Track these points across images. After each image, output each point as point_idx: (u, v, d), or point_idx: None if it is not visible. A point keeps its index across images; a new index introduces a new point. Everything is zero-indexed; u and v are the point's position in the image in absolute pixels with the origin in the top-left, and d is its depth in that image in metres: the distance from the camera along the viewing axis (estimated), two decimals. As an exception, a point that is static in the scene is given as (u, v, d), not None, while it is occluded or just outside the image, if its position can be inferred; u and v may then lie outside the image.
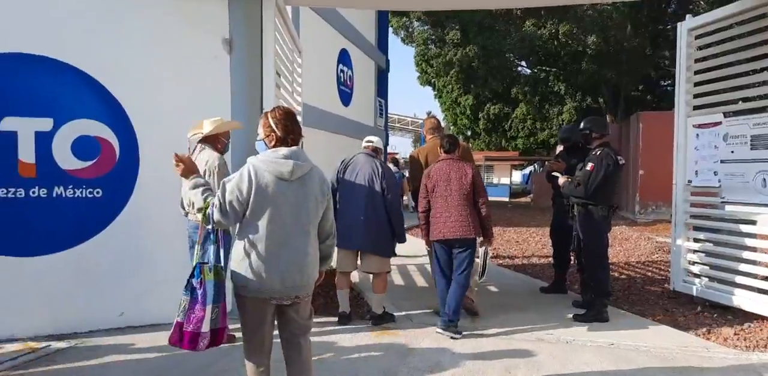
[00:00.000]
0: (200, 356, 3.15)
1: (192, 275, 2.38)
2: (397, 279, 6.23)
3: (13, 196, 3.89)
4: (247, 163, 2.47)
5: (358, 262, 4.60)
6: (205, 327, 2.36)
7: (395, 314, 4.64)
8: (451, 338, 4.03)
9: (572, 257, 5.46)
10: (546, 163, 28.76)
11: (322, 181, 2.60)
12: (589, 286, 4.82)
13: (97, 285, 4.06)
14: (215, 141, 3.82)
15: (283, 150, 2.48)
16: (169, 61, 4.25)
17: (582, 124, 4.85)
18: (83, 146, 4.01)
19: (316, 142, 10.92)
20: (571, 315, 4.63)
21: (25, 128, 3.88)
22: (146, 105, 4.17)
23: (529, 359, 3.65)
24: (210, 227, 2.43)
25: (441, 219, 4.14)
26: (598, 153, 4.56)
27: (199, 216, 2.44)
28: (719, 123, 4.94)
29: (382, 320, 4.44)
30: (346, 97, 15.12)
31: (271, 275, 2.40)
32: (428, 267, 6.89)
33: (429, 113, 45.45)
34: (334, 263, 7.07)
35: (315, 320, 4.46)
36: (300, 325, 2.61)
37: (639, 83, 21.83)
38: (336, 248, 4.20)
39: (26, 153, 3.89)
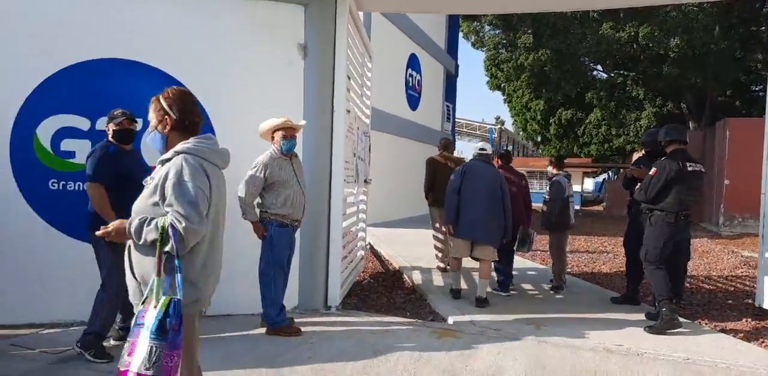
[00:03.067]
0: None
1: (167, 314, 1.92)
2: (462, 283, 6.19)
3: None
4: (183, 155, 2.10)
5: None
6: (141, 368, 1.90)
7: (459, 316, 4.65)
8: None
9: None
10: (621, 170, 27.59)
11: None
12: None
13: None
14: (271, 141, 4.07)
15: (210, 136, 2.23)
16: (247, 66, 4.46)
17: (659, 132, 4.75)
18: (168, 145, 4.29)
19: (381, 145, 11.09)
20: (642, 327, 4.44)
21: (118, 128, 4.20)
22: (225, 108, 4.40)
23: (596, 370, 3.53)
24: (176, 249, 1.99)
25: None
26: (664, 159, 4.51)
27: (167, 247, 2.00)
28: (815, 128, 4.57)
29: (485, 303, 5.04)
30: (413, 102, 15.23)
31: (210, 283, 2.19)
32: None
33: (497, 118, 44.81)
34: (394, 262, 7.13)
35: (379, 318, 4.59)
36: None
37: (727, 88, 20.49)
38: (454, 240, 5.30)
39: (118, 151, 4.21)
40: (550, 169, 6.11)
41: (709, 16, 16.43)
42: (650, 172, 4.51)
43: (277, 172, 3.96)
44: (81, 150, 4.15)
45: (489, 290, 5.23)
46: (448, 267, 6.17)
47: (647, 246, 4.54)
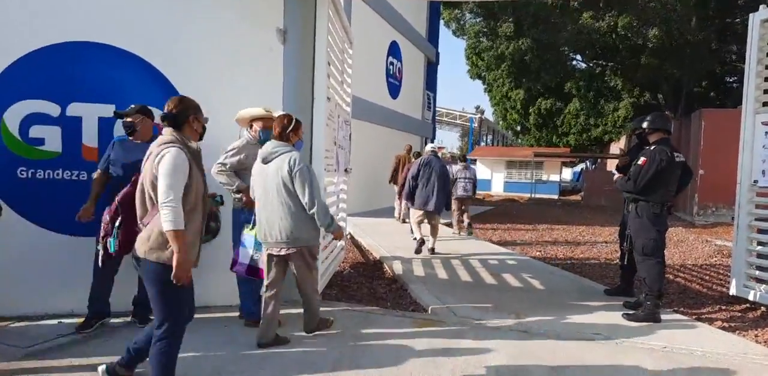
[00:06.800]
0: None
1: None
2: (441, 273, 6.19)
3: (76, 178, 4.08)
4: None
5: None
6: (243, 259, 3.75)
7: (440, 306, 4.65)
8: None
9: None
10: (599, 160, 27.93)
11: (291, 164, 3.43)
12: (641, 285, 4.64)
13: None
14: (249, 128, 4.08)
15: (269, 142, 3.56)
16: (226, 52, 4.33)
17: (645, 120, 4.67)
18: (142, 132, 4.14)
19: (362, 134, 10.99)
20: (621, 315, 4.48)
21: (90, 114, 4.05)
22: (202, 94, 4.21)
23: (577, 359, 3.56)
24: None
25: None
26: (652, 148, 4.41)
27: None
28: (792, 120, 4.63)
29: (434, 251, 7.26)
30: (394, 90, 15.11)
31: (260, 232, 3.59)
32: (472, 262, 6.84)
33: (477, 108, 44.89)
34: (374, 252, 7.10)
35: (360, 308, 4.56)
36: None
37: (702, 79, 20.81)
38: (412, 210, 7.42)
39: (90, 138, 4.07)
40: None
41: (686, 6, 16.57)
42: (639, 162, 4.41)
43: (251, 160, 3.88)
44: (51, 137, 4.01)
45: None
46: (407, 220, 9.29)
47: (642, 239, 4.45)
